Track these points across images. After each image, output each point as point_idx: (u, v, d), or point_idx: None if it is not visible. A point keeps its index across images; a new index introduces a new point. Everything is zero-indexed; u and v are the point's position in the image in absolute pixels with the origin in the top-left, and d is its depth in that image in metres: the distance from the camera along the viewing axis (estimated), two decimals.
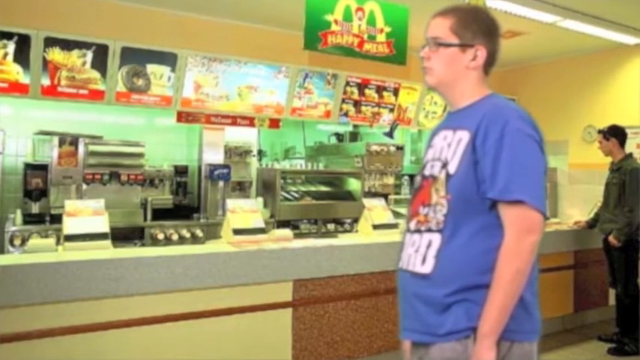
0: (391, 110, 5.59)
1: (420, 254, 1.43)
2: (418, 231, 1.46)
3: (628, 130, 4.31)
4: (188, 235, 4.37)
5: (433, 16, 1.53)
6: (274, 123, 5.06)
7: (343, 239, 3.70)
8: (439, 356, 1.37)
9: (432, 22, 1.52)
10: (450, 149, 1.43)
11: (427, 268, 1.41)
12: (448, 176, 1.40)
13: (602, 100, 5.89)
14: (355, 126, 5.82)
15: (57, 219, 3.76)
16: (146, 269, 2.49)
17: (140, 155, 4.32)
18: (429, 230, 1.42)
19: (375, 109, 5.48)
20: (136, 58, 4.22)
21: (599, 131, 4.30)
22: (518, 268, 1.31)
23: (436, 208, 1.42)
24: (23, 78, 3.88)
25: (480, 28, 1.48)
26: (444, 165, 1.42)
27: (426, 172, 1.48)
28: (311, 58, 4.93)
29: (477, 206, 1.37)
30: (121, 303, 2.48)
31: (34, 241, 2.97)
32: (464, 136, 1.41)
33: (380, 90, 5.46)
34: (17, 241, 3.76)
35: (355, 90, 5.30)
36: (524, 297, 1.36)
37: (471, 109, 1.46)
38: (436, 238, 1.41)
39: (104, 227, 2.84)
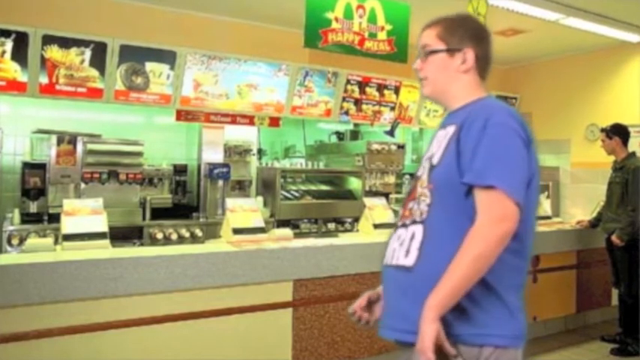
0: (392, 108, 5.56)
1: (404, 247, 1.42)
2: (404, 225, 1.45)
3: (631, 129, 4.30)
4: (187, 234, 4.35)
5: (422, 29, 1.56)
6: (274, 121, 5.03)
7: (344, 239, 3.68)
8: None
9: (422, 34, 1.56)
10: (438, 144, 1.44)
11: (410, 261, 1.39)
12: (432, 167, 1.42)
13: (605, 99, 5.86)
14: (356, 124, 5.80)
15: (55, 218, 3.75)
16: (145, 269, 2.47)
17: (139, 154, 4.29)
18: (414, 222, 1.42)
19: (376, 108, 5.45)
20: (135, 56, 4.19)
21: (602, 130, 4.28)
22: (482, 252, 1.27)
23: (420, 200, 1.42)
24: (21, 76, 3.84)
25: (466, 33, 1.50)
26: (430, 158, 1.44)
27: (418, 173, 1.49)
28: (311, 56, 4.90)
29: (460, 197, 1.35)
30: (120, 303, 2.46)
31: (32, 241, 2.96)
32: (451, 129, 1.42)
33: (381, 88, 5.43)
34: (15, 241, 3.73)
35: (356, 88, 5.27)
36: (509, 301, 1.34)
37: (463, 109, 1.47)
38: (419, 230, 1.39)
39: (103, 227, 2.82)
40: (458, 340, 1.30)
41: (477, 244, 1.27)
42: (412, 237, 1.40)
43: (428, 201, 1.39)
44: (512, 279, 1.37)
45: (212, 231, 4.35)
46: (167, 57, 4.31)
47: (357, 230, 4.24)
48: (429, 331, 1.25)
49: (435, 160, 1.41)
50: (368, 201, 3.88)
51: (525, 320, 1.38)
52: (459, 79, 1.50)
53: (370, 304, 1.59)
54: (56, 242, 2.84)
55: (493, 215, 1.29)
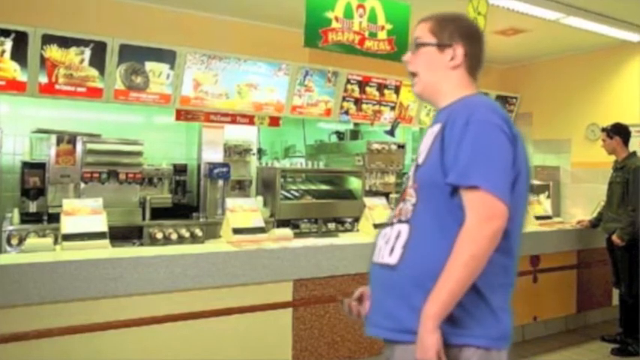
0: (392, 108, 5.55)
1: (389, 245, 1.42)
2: (391, 224, 1.46)
3: (631, 129, 4.29)
4: (187, 234, 4.34)
5: (417, 23, 1.56)
6: (274, 121, 5.03)
7: (344, 238, 3.67)
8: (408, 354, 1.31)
9: (415, 27, 1.56)
10: (425, 143, 1.44)
11: (394, 259, 1.39)
12: (417, 167, 1.42)
13: (606, 98, 5.86)
14: (356, 124, 5.79)
15: (55, 218, 3.75)
16: (145, 269, 2.47)
17: (139, 154, 4.29)
18: (400, 221, 1.42)
19: (376, 107, 5.45)
20: (135, 55, 4.18)
21: (603, 129, 4.28)
22: (474, 253, 1.25)
23: (406, 199, 1.42)
24: (21, 76, 3.84)
25: (457, 29, 1.49)
26: (417, 157, 1.45)
27: (409, 173, 1.49)
28: (311, 56, 4.89)
29: (444, 196, 1.35)
30: (120, 303, 2.46)
31: (32, 241, 2.95)
32: (436, 128, 1.41)
33: (381, 88, 5.43)
34: (14, 241, 3.73)
35: (356, 88, 5.27)
36: (492, 301, 1.32)
37: (449, 107, 1.45)
38: (404, 229, 1.39)
39: (102, 226, 2.82)
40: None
41: (468, 246, 1.26)
42: (397, 235, 1.40)
43: (413, 200, 1.40)
44: (497, 278, 1.35)
45: (212, 231, 4.34)
46: (167, 56, 4.31)
47: (357, 230, 4.23)
48: (430, 342, 1.24)
49: (420, 160, 1.41)
50: (368, 201, 3.87)
51: (510, 321, 1.36)
52: (447, 77, 1.49)
53: (363, 298, 1.58)
54: (56, 242, 2.84)
55: (481, 215, 1.27)
